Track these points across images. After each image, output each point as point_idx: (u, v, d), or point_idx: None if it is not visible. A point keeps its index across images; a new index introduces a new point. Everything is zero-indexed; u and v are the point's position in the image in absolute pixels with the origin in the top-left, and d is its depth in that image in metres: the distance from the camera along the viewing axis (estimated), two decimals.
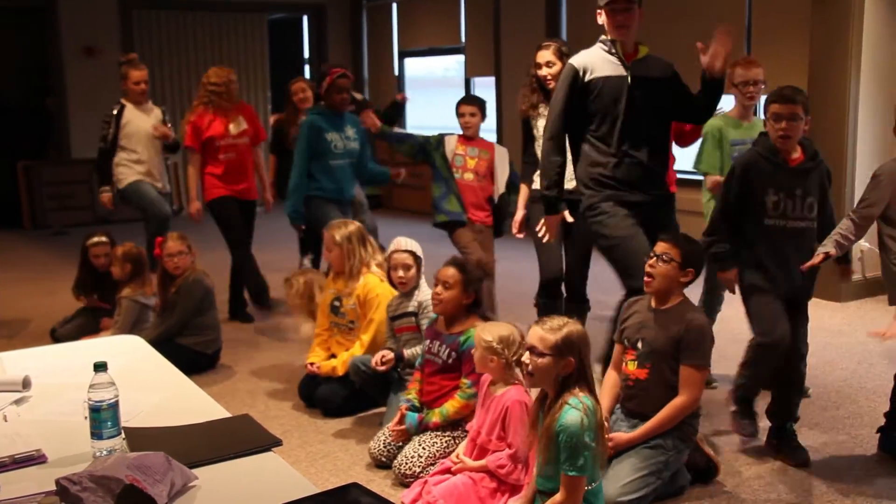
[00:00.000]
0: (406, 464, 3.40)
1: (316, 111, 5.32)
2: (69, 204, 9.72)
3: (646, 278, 3.30)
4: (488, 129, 7.79)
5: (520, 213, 4.76)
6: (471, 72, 9.90)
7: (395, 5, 11.02)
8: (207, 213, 5.76)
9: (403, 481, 3.38)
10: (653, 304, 3.32)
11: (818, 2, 5.90)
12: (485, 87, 9.68)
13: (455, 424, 3.49)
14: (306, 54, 11.87)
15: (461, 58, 10.07)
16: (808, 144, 3.56)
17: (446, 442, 3.46)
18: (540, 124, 4.39)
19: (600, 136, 3.70)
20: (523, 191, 4.75)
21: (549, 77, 4.43)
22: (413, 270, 3.94)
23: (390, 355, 3.87)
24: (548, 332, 2.66)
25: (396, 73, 11.09)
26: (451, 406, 3.48)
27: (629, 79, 3.65)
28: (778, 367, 3.54)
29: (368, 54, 11.56)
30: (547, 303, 4.57)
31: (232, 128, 5.63)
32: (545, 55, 4.46)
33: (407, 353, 3.89)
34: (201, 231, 6.16)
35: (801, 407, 3.71)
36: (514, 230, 4.80)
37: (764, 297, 3.52)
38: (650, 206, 3.73)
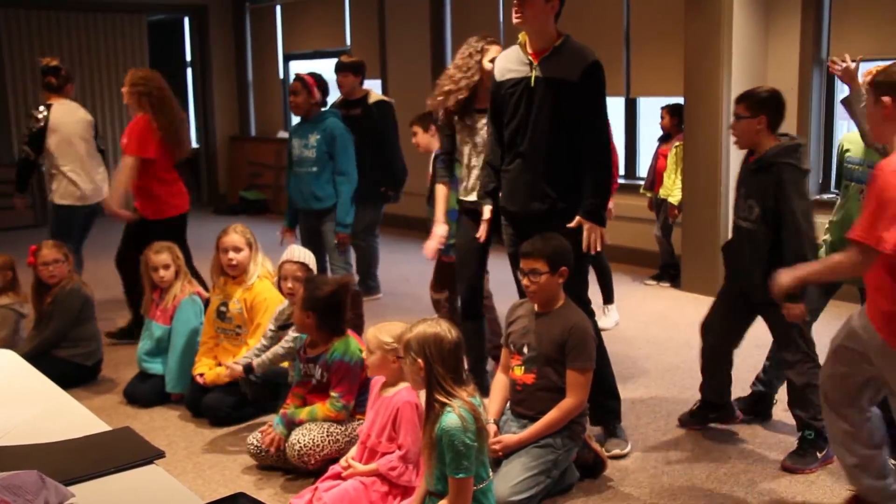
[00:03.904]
0: (303, 450, 3.40)
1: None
2: None
3: (528, 294, 3.32)
4: None
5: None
6: None
7: (278, 7, 10.88)
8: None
9: (299, 462, 3.40)
10: (536, 308, 3.36)
11: (690, 11, 6.14)
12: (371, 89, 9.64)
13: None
14: (188, 57, 11.58)
15: None
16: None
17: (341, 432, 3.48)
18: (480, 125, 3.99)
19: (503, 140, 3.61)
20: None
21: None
22: None
23: (238, 369, 3.85)
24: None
25: (281, 76, 10.95)
26: (320, 410, 3.50)
27: (532, 80, 3.46)
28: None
29: (253, 57, 11.38)
30: (466, 324, 4.06)
31: None
32: (496, 50, 3.93)
33: (255, 361, 3.83)
34: None
35: (676, 400, 3.83)
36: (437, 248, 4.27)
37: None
38: (527, 220, 3.55)
